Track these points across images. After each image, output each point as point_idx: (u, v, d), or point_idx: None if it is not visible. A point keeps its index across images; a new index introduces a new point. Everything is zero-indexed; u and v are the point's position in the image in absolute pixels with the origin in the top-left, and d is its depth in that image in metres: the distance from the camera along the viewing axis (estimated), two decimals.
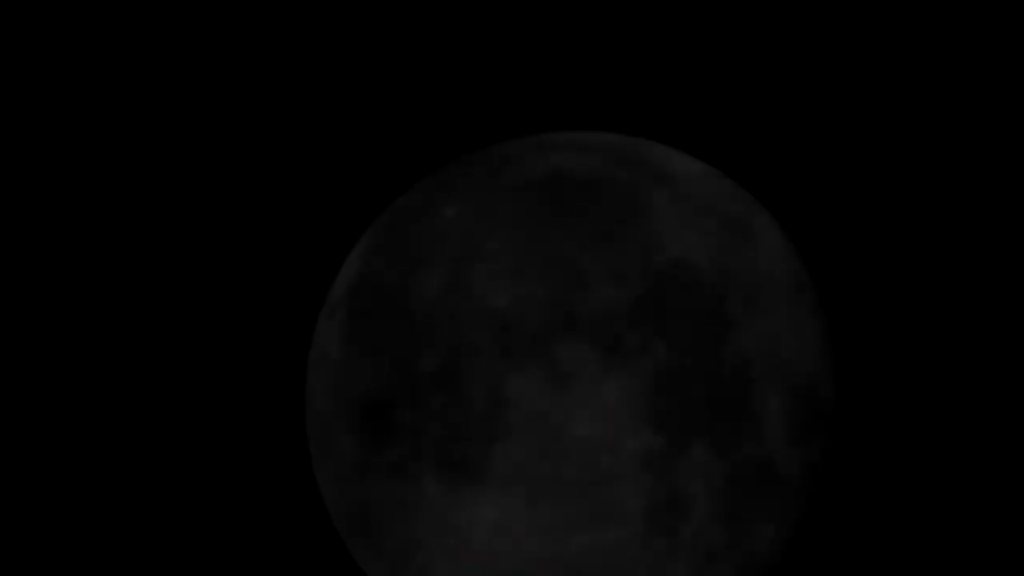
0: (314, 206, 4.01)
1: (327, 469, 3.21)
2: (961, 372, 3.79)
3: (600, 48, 4.02)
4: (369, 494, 3.07)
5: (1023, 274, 3.79)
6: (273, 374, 3.87)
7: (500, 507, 2.91)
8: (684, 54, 3.98)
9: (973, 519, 3.74)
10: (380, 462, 3.01)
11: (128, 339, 4.01)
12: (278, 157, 4.04)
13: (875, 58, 3.92)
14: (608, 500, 2.89)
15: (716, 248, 3.02)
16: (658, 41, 4.00)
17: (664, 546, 2.96)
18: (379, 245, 3.20)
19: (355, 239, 3.41)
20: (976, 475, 3.76)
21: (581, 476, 2.87)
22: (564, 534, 2.91)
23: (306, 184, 4.03)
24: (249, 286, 4.00)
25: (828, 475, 3.27)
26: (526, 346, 2.87)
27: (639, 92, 3.98)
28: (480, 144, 3.39)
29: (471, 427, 2.89)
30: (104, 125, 4.03)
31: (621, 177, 3.08)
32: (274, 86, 4.04)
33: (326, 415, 3.17)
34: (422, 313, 2.97)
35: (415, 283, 3.01)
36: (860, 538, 3.77)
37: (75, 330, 4.00)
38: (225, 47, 4.03)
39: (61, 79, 4.02)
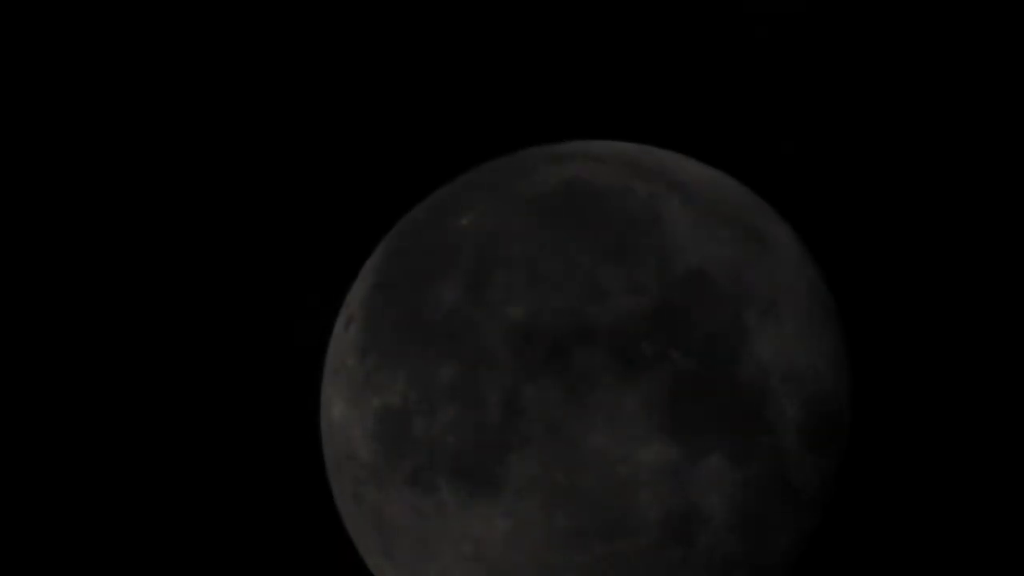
0: (329, 216, 4.01)
1: (343, 479, 3.21)
2: (978, 383, 3.78)
3: (614, 57, 4.02)
4: (385, 504, 3.07)
5: None
6: (288, 384, 3.88)
7: (516, 517, 2.91)
8: (700, 62, 3.98)
9: (989, 528, 3.73)
10: (396, 472, 3.01)
11: (143, 350, 4.01)
12: (294, 168, 4.05)
13: (894, 68, 3.92)
14: (624, 510, 2.88)
15: (733, 258, 3.02)
16: (673, 50, 4.00)
17: (680, 556, 2.95)
18: (395, 255, 3.20)
19: (371, 249, 3.41)
20: (992, 485, 3.75)
21: (597, 486, 2.86)
22: (580, 544, 2.90)
23: (321, 195, 4.04)
24: (265, 296, 4.01)
25: (844, 485, 3.26)
26: (542, 356, 2.86)
27: (655, 101, 3.98)
28: (495, 154, 3.39)
29: (487, 437, 2.89)
30: (123, 136, 4.04)
31: (637, 186, 3.08)
32: (291, 98, 4.05)
33: (342, 425, 3.17)
34: (438, 323, 2.97)
35: (431, 293, 3.01)
36: (876, 548, 3.77)
37: (90, 340, 4.01)
38: (243, 59, 4.04)
39: (81, 91, 4.03)
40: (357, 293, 3.27)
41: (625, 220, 3.00)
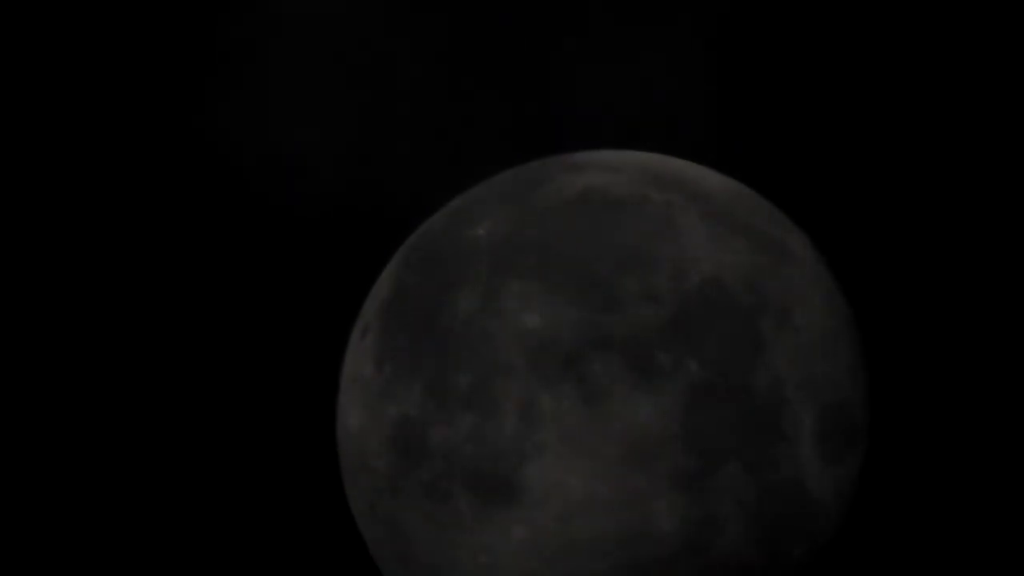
0: (346, 225, 4.02)
1: (359, 488, 3.22)
2: (996, 392, 3.77)
3: (631, 66, 4.02)
4: (401, 513, 3.07)
5: None
6: (304, 393, 3.88)
7: (532, 526, 2.91)
8: (715, 72, 3.98)
9: (1007, 537, 3.71)
10: (412, 481, 3.01)
11: (159, 359, 4.03)
12: (310, 177, 4.06)
13: (910, 78, 3.92)
14: (640, 519, 2.88)
15: (749, 267, 3.01)
16: (688, 58, 4.00)
17: (697, 566, 2.94)
18: (411, 264, 3.21)
19: (387, 257, 3.42)
20: (1011, 494, 3.74)
21: (613, 496, 2.86)
22: (596, 554, 2.90)
23: (338, 203, 4.05)
24: (282, 305, 4.01)
25: (861, 494, 3.26)
26: (559, 365, 2.86)
27: (671, 110, 3.98)
28: (512, 163, 3.40)
29: (504, 446, 2.89)
30: (138, 142, 4.06)
31: (654, 196, 3.08)
32: (307, 106, 4.06)
33: (358, 434, 3.17)
34: (454, 332, 2.97)
35: (447, 302, 3.01)
36: (893, 557, 3.76)
37: (102, 348, 4.02)
38: (257, 66, 4.06)
39: (98, 105, 4.05)
40: (373, 302, 3.28)
41: (641, 229, 3.00)
